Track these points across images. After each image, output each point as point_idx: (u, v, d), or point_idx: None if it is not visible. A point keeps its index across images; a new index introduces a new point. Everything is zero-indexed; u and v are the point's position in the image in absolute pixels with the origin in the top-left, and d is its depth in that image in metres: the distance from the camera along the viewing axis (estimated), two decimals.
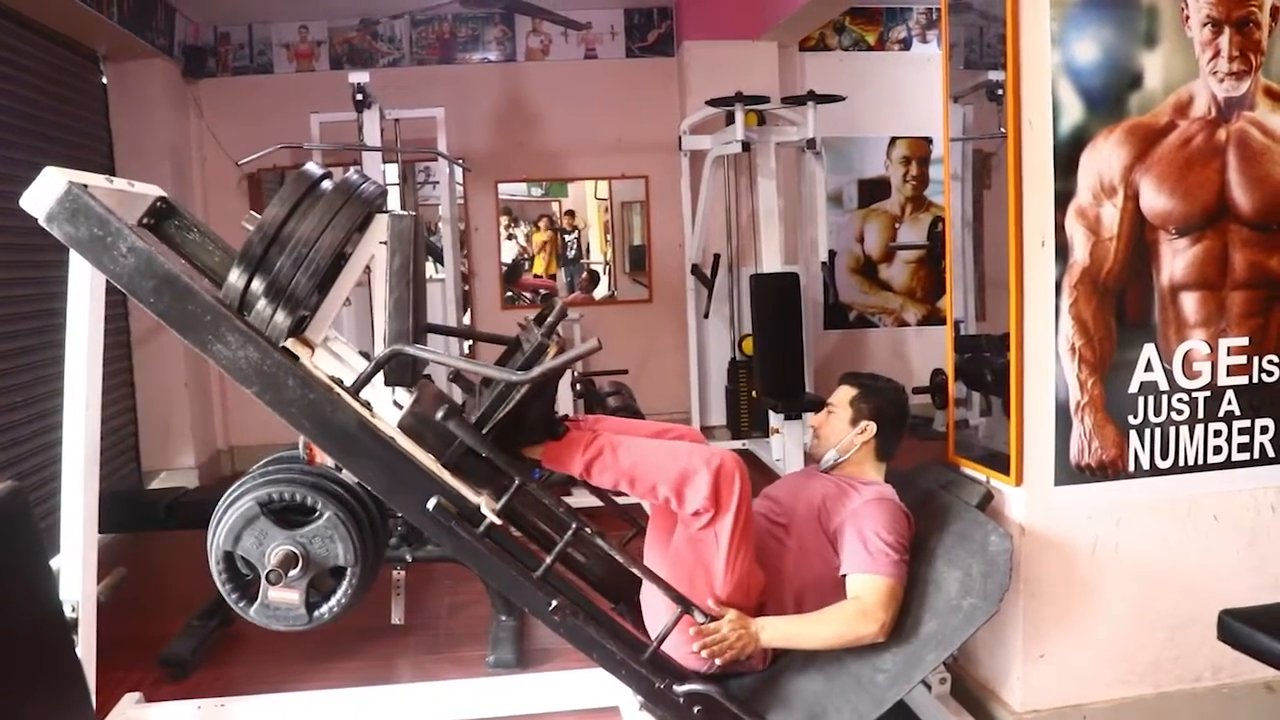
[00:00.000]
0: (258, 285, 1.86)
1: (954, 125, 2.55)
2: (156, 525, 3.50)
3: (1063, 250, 2.20)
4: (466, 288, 5.92)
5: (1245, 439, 2.33)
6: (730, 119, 4.86)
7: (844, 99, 4.82)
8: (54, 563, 1.88)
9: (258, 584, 1.99)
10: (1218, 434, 2.31)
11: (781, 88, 5.60)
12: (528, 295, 6.12)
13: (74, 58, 4.60)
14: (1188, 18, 2.20)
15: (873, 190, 6.31)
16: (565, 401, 4.04)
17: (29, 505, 1.54)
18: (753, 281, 4.83)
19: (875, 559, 2.08)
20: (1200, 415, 2.30)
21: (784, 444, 4.62)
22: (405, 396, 2.09)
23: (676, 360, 5.87)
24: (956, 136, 2.57)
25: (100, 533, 2.11)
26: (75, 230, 1.77)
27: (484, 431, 1.96)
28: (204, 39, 5.64)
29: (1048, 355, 2.23)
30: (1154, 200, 2.22)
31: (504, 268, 6.11)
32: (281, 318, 1.86)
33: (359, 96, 4.40)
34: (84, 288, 1.97)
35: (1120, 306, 2.24)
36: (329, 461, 2.04)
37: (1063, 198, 2.18)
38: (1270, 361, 2.33)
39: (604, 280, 6.26)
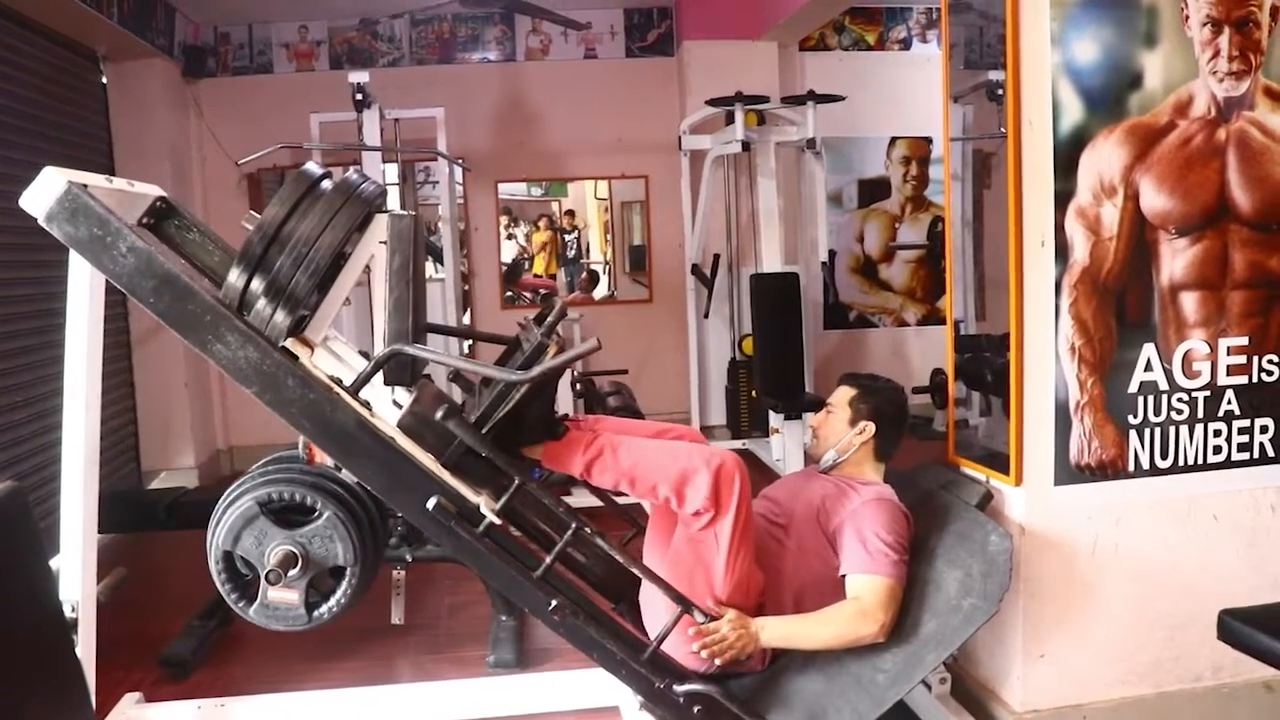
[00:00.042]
0: (257, 285, 1.86)
1: (954, 125, 2.55)
2: (156, 525, 3.50)
3: (1063, 250, 2.20)
4: (466, 287, 5.92)
5: (1245, 439, 2.33)
6: (730, 119, 4.86)
7: (844, 99, 4.82)
8: (54, 563, 1.88)
9: (257, 584, 1.99)
10: (1217, 434, 2.31)
11: (781, 87, 5.60)
12: (527, 295, 6.12)
13: (74, 58, 4.60)
14: (1187, 17, 2.20)
15: (873, 190, 6.31)
16: (565, 401, 4.04)
17: (29, 505, 1.54)
18: (753, 281, 4.83)
19: (875, 559, 2.08)
20: (1200, 415, 2.30)
21: (784, 444, 4.62)
22: (405, 396, 2.09)
23: (676, 360, 5.87)
24: (956, 136, 2.57)
25: (100, 533, 2.11)
26: (75, 230, 1.77)
27: (484, 431, 1.96)
28: (204, 39, 5.64)
29: (1048, 355, 2.23)
30: (1154, 200, 2.22)
31: (504, 267, 6.11)
32: (281, 317, 1.86)
33: (359, 96, 4.40)
34: (84, 288, 1.97)
35: (1120, 306, 2.24)
36: (329, 461, 2.04)
37: (1063, 197, 2.18)
38: (1270, 361, 2.33)
39: (604, 280, 6.26)
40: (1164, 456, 2.30)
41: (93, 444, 2.04)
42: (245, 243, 1.88)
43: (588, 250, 6.23)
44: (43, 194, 1.77)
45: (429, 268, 5.36)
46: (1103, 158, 2.19)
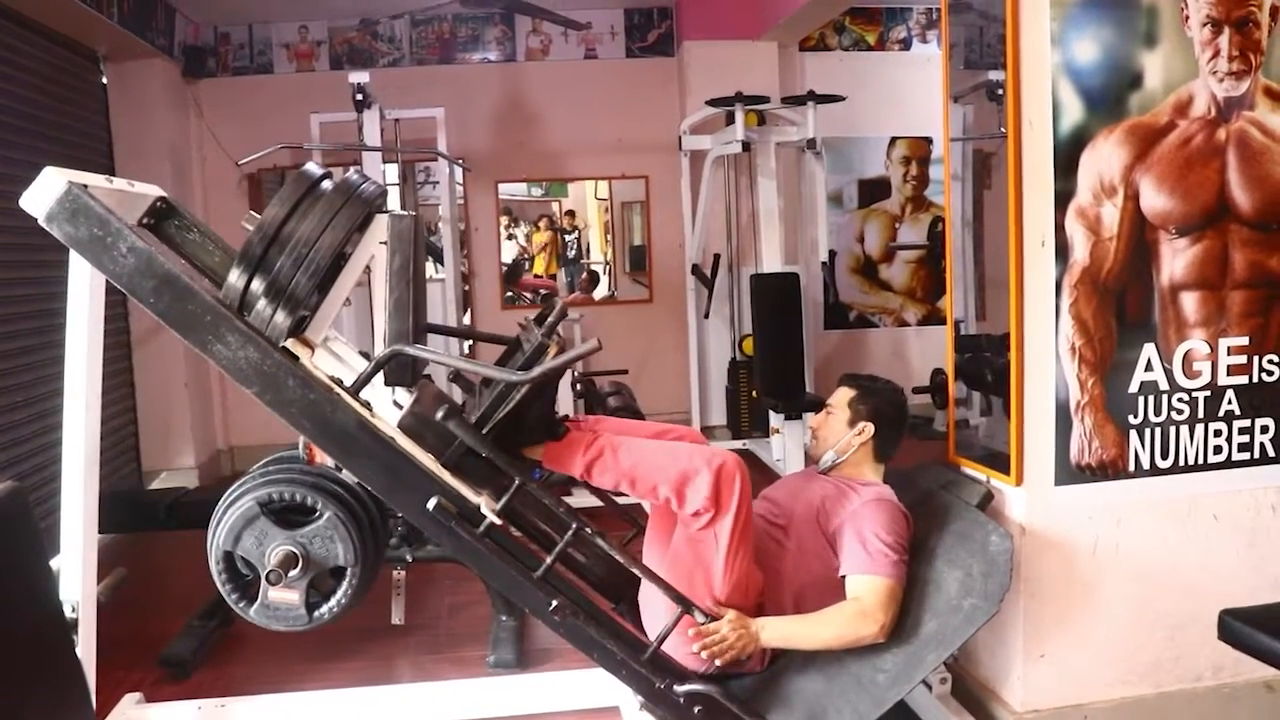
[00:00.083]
0: (258, 285, 1.86)
1: (954, 125, 2.55)
2: (156, 525, 3.50)
3: (1063, 250, 2.20)
4: (466, 288, 5.92)
5: (1245, 439, 2.33)
6: (730, 119, 4.86)
7: (844, 99, 4.82)
8: (54, 563, 1.88)
9: (258, 584, 1.99)
10: (1218, 434, 2.31)
11: (781, 88, 5.60)
12: (528, 295, 6.13)
13: (74, 58, 4.60)
14: (1187, 18, 2.20)
15: (873, 190, 6.31)
16: (565, 401, 4.05)
17: (29, 505, 1.54)
18: (753, 281, 4.83)
19: (875, 560, 2.08)
20: (1200, 415, 2.30)
21: (784, 444, 4.62)
22: (405, 396, 2.09)
23: (677, 360, 5.87)
24: (956, 136, 2.57)
25: (100, 533, 2.11)
26: (75, 230, 1.77)
27: (484, 431, 1.96)
28: (204, 39, 5.64)
29: (1048, 355, 2.23)
30: (1154, 200, 2.22)
31: (504, 268, 6.11)
32: (281, 318, 1.86)
33: (359, 96, 4.40)
34: (84, 288, 1.97)
35: (1120, 306, 2.24)
36: (329, 461, 2.04)
37: (1063, 197, 2.18)
38: (1270, 361, 2.33)
39: (604, 280, 6.26)
40: (1164, 456, 2.30)
41: (93, 444, 2.04)
42: (245, 243, 1.88)
43: (588, 250, 6.23)
44: (43, 194, 1.77)
45: (429, 268, 5.36)
46: (1103, 158, 2.19)
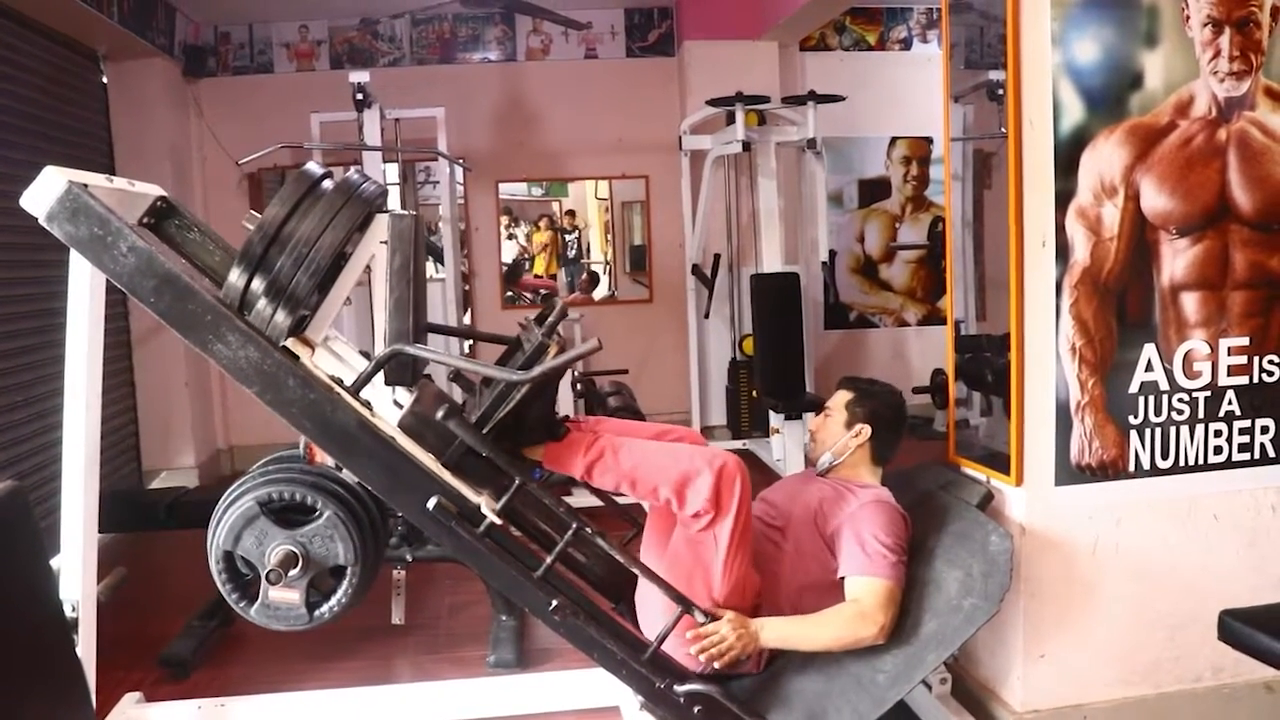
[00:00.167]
0: (258, 285, 1.86)
1: (954, 125, 2.55)
2: (156, 525, 3.50)
3: (1063, 250, 2.20)
4: (467, 287, 5.92)
5: (1246, 439, 2.33)
6: (731, 119, 4.86)
7: (844, 99, 4.83)
8: (54, 562, 1.88)
9: (258, 584, 1.98)
10: (1218, 434, 2.31)
11: (782, 87, 5.60)
12: (528, 295, 6.13)
13: (74, 57, 4.60)
14: (1188, 18, 2.20)
15: (873, 190, 6.31)
16: (566, 401, 4.05)
17: (29, 505, 1.54)
18: (753, 281, 4.83)
19: (873, 561, 2.08)
20: (1201, 415, 2.30)
21: (784, 444, 4.62)
22: (405, 396, 2.09)
23: (677, 360, 5.87)
24: (957, 136, 2.57)
25: (100, 532, 2.11)
26: (75, 229, 1.77)
27: (484, 431, 1.96)
28: (204, 39, 5.64)
29: (1048, 355, 2.23)
30: (1155, 200, 2.22)
31: (504, 268, 6.11)
32: (282, 317, 1.86)
33: (359, 96, 4.40)
34: (84, 287, 1.97)
35: (1121, 306, 2.24)
36: (329, 461, 2.04)
37: (1063, 198, 2.18)
38: (1271, 361, 2.33)
39: (604, 280, 6.26)
40: (1165, 457, 2.29)
41: (93, 444, 2.04)
42: (246, 242, 1.88)
43: (588, 250, 6.23)
44: (43, 193, 1.77)
45: (429, 268, 5.36)
46: (1103, 158, 2.19)
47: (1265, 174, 2.26)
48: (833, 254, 6.02)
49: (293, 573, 1.95)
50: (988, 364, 2.43)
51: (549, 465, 2.11)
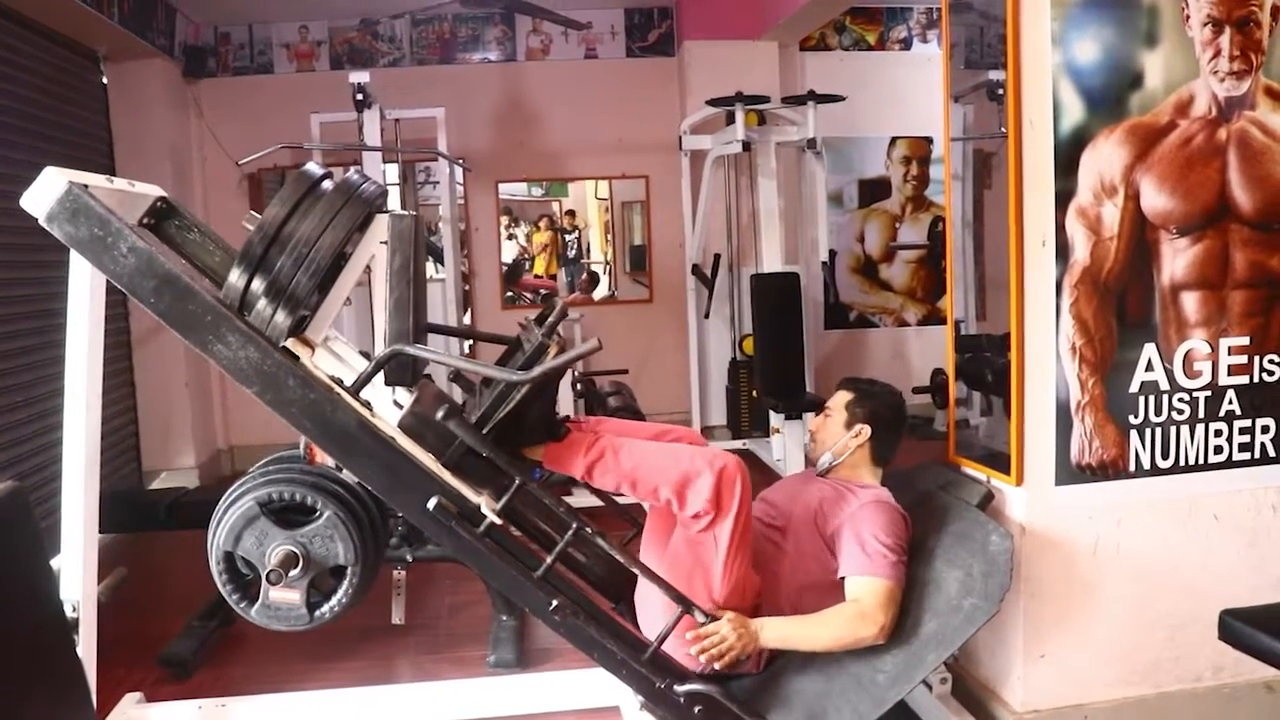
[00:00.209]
0: (258, 285, 1.86)
1: (954, 125, 2.55)
2: (157, 525, 3.50)
3: (1063, 250, 2.20)
4: (467, 288, 5.93)
5: (1246, 439, 2.33)
6: (731, 119, 4.86)
7: (844, 99, 4.82)
8: (54, 562, 1.88)
9: (258, 584, 1.98)
10: (1218, 434, 2.31)
11: (782, 87, 5.60)
12: (528, 295, 6.13)
13: (74, 58, 4.60)
14: (1188, 17, 2.20)
15: (873, 190, 6.31)
16: (566, 401, 4.05)
17: (29, 505, 1.54)
18: (753, 281, 4.83)
19: (873, 561, 2.08)
20: (1201, 415, 2.30)
21: (784, 444, 4.62)
22: (405, 396, 2.09)
23: (677, 360, 5.87)
24: (957, 136, 2.57)
25: (101, 533, 2.11)
26: (76, 230, 1.77)
27: (484, 431, 1.96)
28: (204, 39, 5.64)
29: (1048, 355, 2.23)
30: (1155, 200, 2.22)
31: (504, 268, 6.11)
32: (282, 318, 1.86)
33: (359, 96, 4.40)
34: (84, 288, 1.97)
35: (1121, 306, 2.24)
36: (329, 461, 2.04)
37: (1063, 197, 2.18)
38: (1271, 361, 2.33)
39: (604, 280, 6.26)
40: (1165, 456, 2.29)
41: (93, 444, 2.04)
42: (246, 243, 1.88)
43: (588, 250, 6.23)
44: (44, 194, 1.77)
45: (429, 268, 5.36)
46: (1103, 157, 2.19)
47: (1265, 173, 2.26)
48: (833, 254, 6.02)
49: (293, 573, 1.95)
50: (988, 364, 2.43)
51: (549, 465, 2.10)
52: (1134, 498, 2.29)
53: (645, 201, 6.11)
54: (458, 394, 2.53)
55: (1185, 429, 2.30)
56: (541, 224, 6.14)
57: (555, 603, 1.94)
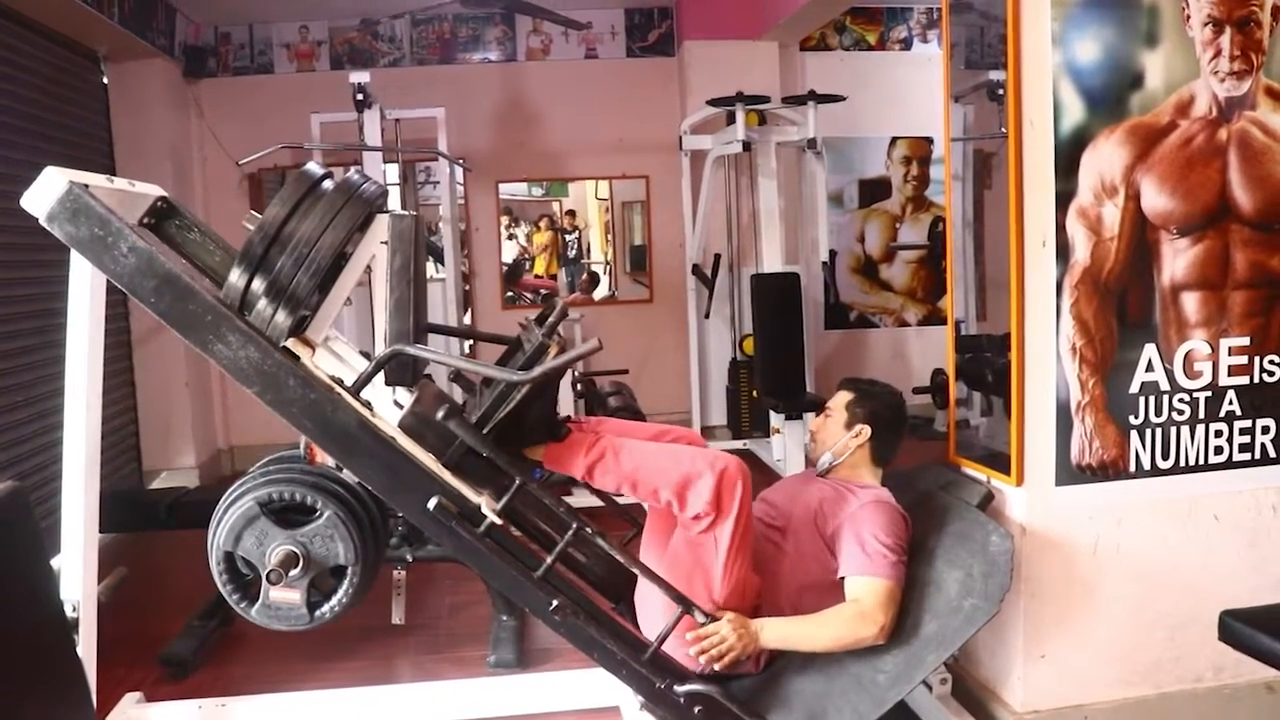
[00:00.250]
0: (258, 285, 1.86)
1: (955, 125, 2.55)
2: (157, 525, 3.50)
3: (1064, 250, 2.20)
4: (467, 288, 5.93)
5: (1246, 439, 2.33)
6: (731, 119, 4.86)
7: (845, 99, 4.82)
8: (55, 562, 1.88)
9: (258, 584, 1.98)
10: (1219, 434, 2.31)
11: (782, 87, 5.60)
12: (528, 295, 6.13)
13: (74, 58, 4.60)
14: (1189, 17, 2.20)
15: (873, 190, 6.31)
16: (566, 401, 4.05)
17: (30, 505, 1.54)
18: (753, 281, 4.83)
19: (873, 561, 2.08)
20: (1201, 415, 2.30)
21: (785, 444, 4.62)
22: (406, 396, 2.09)
23: (677, 360, 5.87)
24: (957, 136, 2.57)
25: (101, 532, 2.11)
26: (76, 230, 1.77)
27: (484, 431, 1.96)
28: (204, 39, 5.64)
29: (1048, 355, 2.23)
30: (1155, 200, 2.22)
31: (504, 268, 6.11)
32: (282, 317, 1.86)
33: (359, 96, 4.40)
34: (85, 287, 1.97)
35: (1121, 306, 2.24)
36: (329, 461, 2.04)
37: (1064, 198, 2.18)
38: (1271, 361, 2.33)
39: (604, 280, 6.26)
40: (1165, 457, 2.29)
41: (94, 444, 2.04)
42: (246, 243, 1.88)
43: (588, 250, 6.23)
44: (44, 194, 1.77)
45: (430, 268, 5.36)
46: (1104, 158, 2.19)
47: (1266, 174, 2.26)
48: (833, 254, 6.02)
49: (293, 573, 1.95)
50: (988, 364, 2.43)
51: (550, 466, 2.10)
52: (1134, 498, 2.29)
53: (645, 201, 6.11)
54: (458, 394, 2.53)
55: (1185, 429, 2.30)
56: (542, 224, 6.14)
57: (555, 603, 1.94)
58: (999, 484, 2.34)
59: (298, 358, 1.94)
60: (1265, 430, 2.33)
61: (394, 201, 4.92)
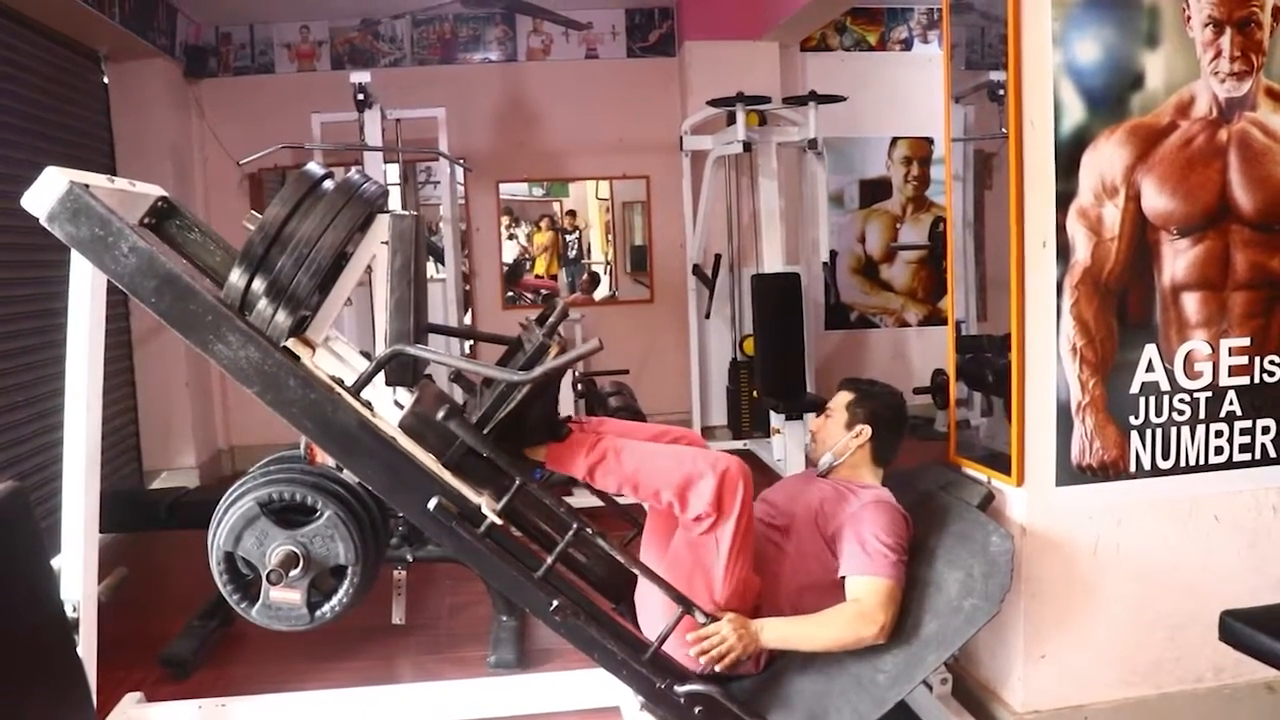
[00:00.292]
0: (259, 285, 1.86)
1: (955, 125, 2.55)
2: (157, 525, 3.50)
3: (1064, 251, 2.20)
4: (467, 288, 5.93)
5: (1246, 439, 2.33)
6: (731, 119, 4.86)
7: (845, 99, 4.82)
8: (55, 562, 1.88)
9: (259, 584, 1.98)
10: (1219, 434, 2.31)
11: (783, 88, 5.60)
12: (529, 295, 6.13)
13: (75, 58, 4.60)
14: (1189, 18, 2.20)
15: (874, 190, 6.31)
16: (567, 402, 4.05)
17: (30, 505, 1.54)
18: (754, 282, 4.83)
19: (874, 560, 2.08)
20: (1201, 416, 2.30)
21: (785, 444, 4.62)
22: (406, 396, 2.09)
23: (677, 360, 5.87)
24: (958, 137, 2.57)
25: (101, 532, 2.11)
26: (77, 230, 1.77)
27: (485, 431, 1.96)
28: (205, 39, 5.64)
29: (1049, 356, 2.23)
30: (1155, 200, 2.22)
31: (505, 268, 6.11)
32: (283, 318, 1.86)
33: (360, 96, 4.40)
34: (85, 287, 1.97)
35: (1122, 307, 2.24)
36: (330, 461, 2.04)
37: (1064, 198, 2.18)
38: (1271, 362, 2.33)
39: (605, 280, 6.26)
40: (1165, 457, 2.29)
41: (94, 444, 2.04)
42: (247, 243, 1.88)
43: (589, 250, 6.23)
44: (45, 194, 1.77)
45: (430, 268, 5.36)
46: (1104, 158, 2.19)
47: (1266, 174, 2.26)
48: (834, 254, 6.02)
49: (293, 573, 1.95)
50: (988, 364, 2.43)
51: (551, 466, 2.11)
52: (1134, 498, 2.29)
53: (646, 202, 6.11)
54: (459, 394, 2.53)
55: (1186, 430, 2.30)
56: (542, 224, 6.14)
57: (556, 603, 1.94)
58: (999, 484, 2.34)
59: (298, 358, 1.94)
60: (1265, 430, 2.33)
61: (394, 201, 4.92)
